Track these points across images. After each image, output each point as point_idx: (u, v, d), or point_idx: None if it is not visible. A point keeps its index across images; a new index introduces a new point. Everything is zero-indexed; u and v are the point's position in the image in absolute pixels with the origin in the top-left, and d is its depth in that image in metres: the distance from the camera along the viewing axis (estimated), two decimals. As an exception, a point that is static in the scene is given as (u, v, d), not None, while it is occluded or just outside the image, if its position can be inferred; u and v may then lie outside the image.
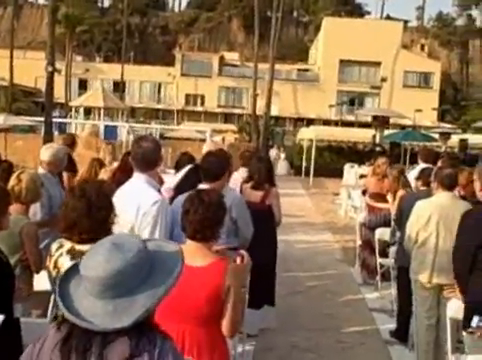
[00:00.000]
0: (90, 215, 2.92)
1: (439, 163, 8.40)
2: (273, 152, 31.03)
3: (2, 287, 3.12)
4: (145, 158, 3.81)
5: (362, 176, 13.78)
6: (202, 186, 4.09)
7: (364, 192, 9.22)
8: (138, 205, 3.63)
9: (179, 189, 4.92)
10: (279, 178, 22.89)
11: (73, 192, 3.05)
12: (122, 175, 5.04)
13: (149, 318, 1.73)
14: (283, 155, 31.19)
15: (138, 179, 3.84)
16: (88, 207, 2.92)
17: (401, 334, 5.84)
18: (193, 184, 4.32)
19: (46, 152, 5.44)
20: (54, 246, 3.08)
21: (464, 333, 4.09)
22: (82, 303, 1.67)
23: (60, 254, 3.01)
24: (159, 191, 4.02)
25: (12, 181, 4.33)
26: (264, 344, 5.68)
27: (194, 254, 2.88)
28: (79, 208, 2.93)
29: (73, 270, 1.77)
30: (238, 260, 2.94)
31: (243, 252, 3.03)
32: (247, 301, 4.90)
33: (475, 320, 3.36)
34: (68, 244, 3.00)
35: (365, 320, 6.61)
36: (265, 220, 5.49)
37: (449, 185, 4.89)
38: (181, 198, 4.07)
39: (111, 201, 3.08)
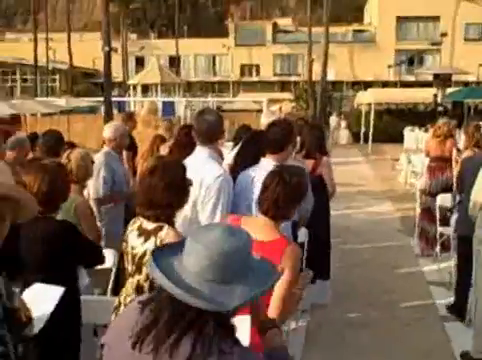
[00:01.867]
0: (165, 196, 2.97)
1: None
2: (333, 120, 29.20)
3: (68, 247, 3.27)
4: (210, 131, 3.85)
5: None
6: (266, 158, 4.05)
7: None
8: (201, 179, 3.64)
9: (238, 162, 4.80)
10: (340, 147, 22.74)
11: (155, 170, 3.07)
12: (179, 150, 5.11)
13: (232, 327, 1.65)
14: (344, 123, 29.41)
15: (201, 153, 3.86)
16: (166, 187, 2.97)
17: (458, 309, 5.65)
18: (254, 155, 4.26)
19: (108, 130, 5.58)
20: (131, 222, 3.20)
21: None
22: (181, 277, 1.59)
23: (131, 230, 3.11)
24: (221, 165, 4.04)
25: (62, 160, 4.38)
26: (318, 319, 5.68)
27: (261, 228, 2.90)
28: (158, 187, 2.98)
29: (175, 248, 1.71)
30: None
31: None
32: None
33: None
34: (138, 221, 3.10)
35: (422, 294, 6.51)
36: (316, 190, 5.01)
37: None
38: (245, 174, 4.05)
39: (187, 183, 3.13)
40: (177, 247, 1.69)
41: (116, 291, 3.78)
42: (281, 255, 2.78)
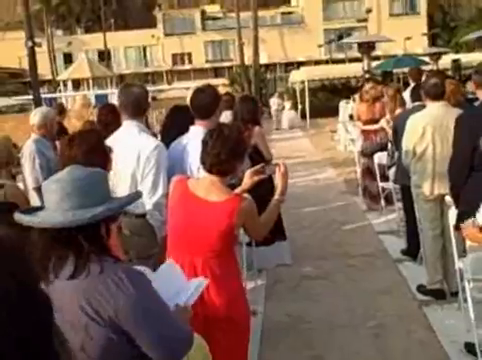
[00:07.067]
0: (87, 162, 2.94)
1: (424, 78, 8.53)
2: (274, 102, 26.02)
3: None
4: (138, 103, 3.80)
5: (351, 117, 13.49)
6: (196, 126, 3.98)
7: (351, 117, 9.04)
8: (138, 152, 3.63)
9: (164, 133, 4.88)
10: (283, 131, 22.67)
11: (72, 141, 3.14)
12: (103, 128, 5.01)
13: (106, 244, 1.81)
14: (288, 104, 26.09)
15: (131, 126, 3.80)
16: (85, 153, 3.01)
17: (412, 251, 5.87)
18: (179, 126, 4.26)
19: (35, 116, 5.36)
20: None
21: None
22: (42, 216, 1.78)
23: None
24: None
25: None
26: (275, 277, 5.77)
27: (209, 188, 2.90)
28: (78, 155, 3.01)
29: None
30: (276, 169, 3.10)
31: (279, 162, 3.18)
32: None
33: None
34: None
35: (373, 243, 6.71)
36: (254, 159, 5.05)
37: (435, 94, 4.80)
38: (177, 143, 4.04)
39: (107, 150, 3.19)
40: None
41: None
42: (237, 214, 2.81)
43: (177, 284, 2.32)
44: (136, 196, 2.00)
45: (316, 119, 24.47)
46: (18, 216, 1.81)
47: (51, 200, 1.76)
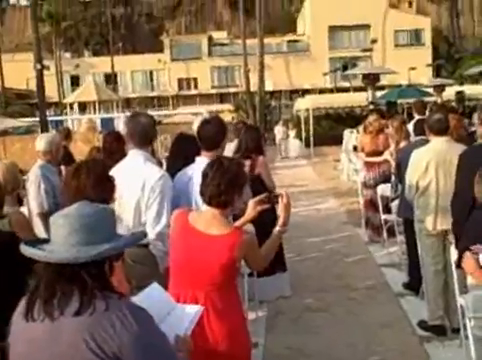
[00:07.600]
0: (97, 192, 3.00)
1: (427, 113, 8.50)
2: (279, 130, 25.71)
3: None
4: (145, 134, 3.83)
5: (355, 148, 13.57)
6: (202, 157, 3.98)
7: (355, 148, 9.09)
8: (143, 181, 3.65)
9: (169, 163, 4.95)
10: (287, 159, 22.62)
11: (79, 171, 3.15)
12: (108, 156, 5.10)
13: (109, 280, 1.82)
14: (292, 132, 26.46)
15: (137, 155, 3.83)
16: (95, 183, 3.06)
17: (414, 285, 5.84)
18: (185, 156, 4.30)
19: (41, 142, 5.37)
20: None
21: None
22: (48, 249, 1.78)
23: None
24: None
25: None
26: (276, 308, 5.75)
27: (210, 221, 2.90)
28: (87, 185, 3.05)
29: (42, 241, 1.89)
30: (280, 201, 3.06)
31: (283, 192, 3.14)
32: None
33: None
34: None
35: (374, 275, 6.69)
36: (257, 188, 5.06)
37: (439, 129, 4.85)
38: (182, 174, 4.07)
39: (111, 179, 3.23)
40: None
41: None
42: (238, 248, 2.81)
43: (166, 305, 2.33)
44: (141, 235, 2.02)
45: (320, 147, 24.56)
46: (23, 248, 1.83)
47: (58, 234, 1.79)
